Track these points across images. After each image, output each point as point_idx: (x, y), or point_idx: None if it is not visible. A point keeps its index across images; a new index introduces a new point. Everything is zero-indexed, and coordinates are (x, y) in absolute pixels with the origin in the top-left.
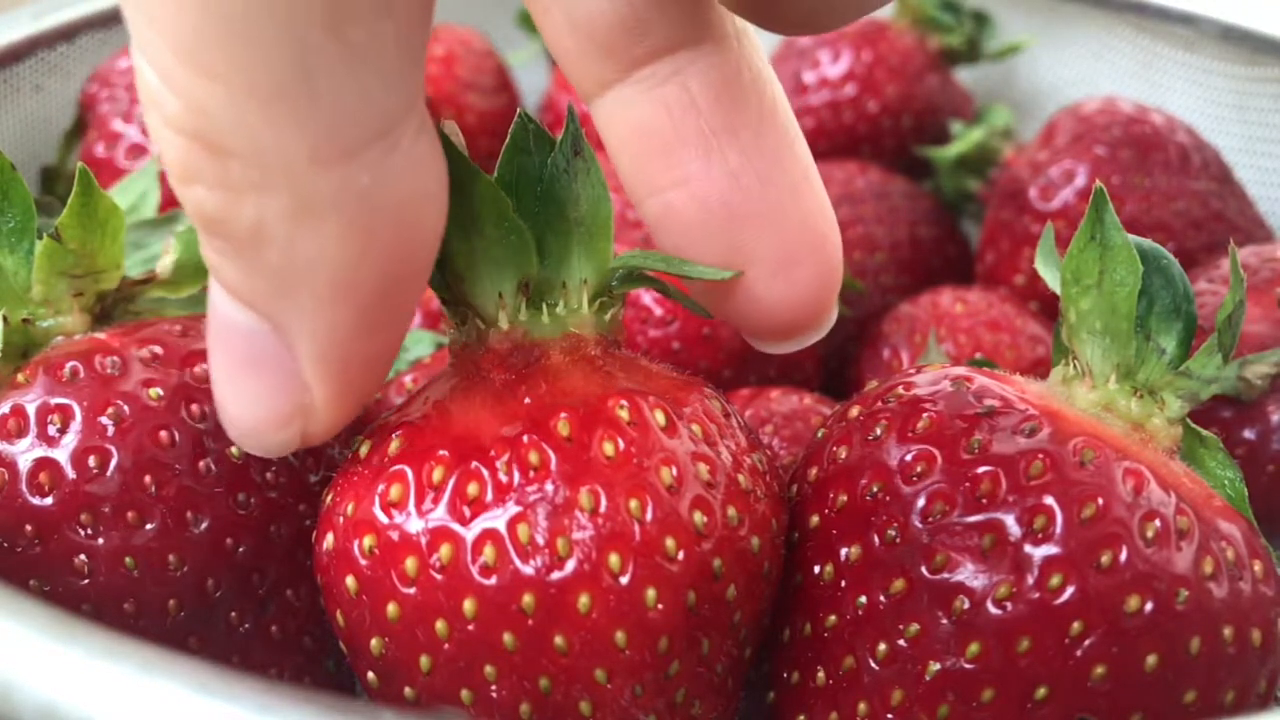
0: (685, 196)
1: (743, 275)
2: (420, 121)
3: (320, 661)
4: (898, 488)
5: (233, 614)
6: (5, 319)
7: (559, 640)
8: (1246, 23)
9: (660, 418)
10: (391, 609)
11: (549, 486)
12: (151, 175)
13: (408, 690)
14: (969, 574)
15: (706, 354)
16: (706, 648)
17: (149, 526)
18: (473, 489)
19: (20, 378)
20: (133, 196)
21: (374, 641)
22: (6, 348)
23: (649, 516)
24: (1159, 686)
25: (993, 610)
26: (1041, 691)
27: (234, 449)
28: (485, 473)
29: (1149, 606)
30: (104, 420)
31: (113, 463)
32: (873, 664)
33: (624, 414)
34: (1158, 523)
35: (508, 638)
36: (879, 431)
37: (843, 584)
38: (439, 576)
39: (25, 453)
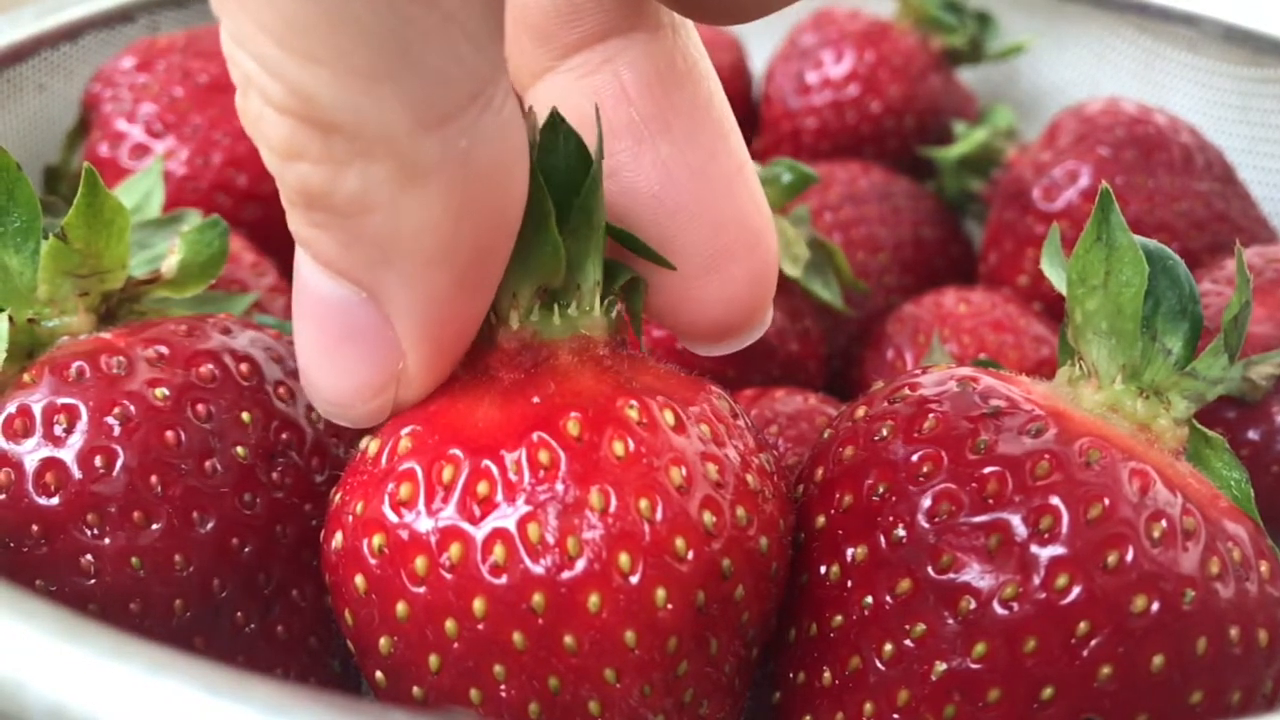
0: (615, 188)
1: (673, 270)
2: (507, 83)
3: (326, 661)
4: (904, 488)
5: (238, 614)
6: (11, 319)
7: (569, 640)
8: (1249, 23)
9: (669, 418)
10: (401, 608)
11: (559, 486)
12: (156, 175)
13: (416, 690)
14: (975, 574)
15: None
16: (715, 647)
17: (155, 526)
18: (483, 488)
19: (26, 378)
20: (137, 196)
21: (383, 640)
22: (12, 348)
23: (659, 516)
24: (1165, 687)
25: (999, 610)
26: (1048, 692)
27: (240, 449)
28: (495, 472)
29: (1155, 607)
30: (110, 420)
31: (119, 463)
32: (879, 664)
33: (633, 414)
34: (1164, 523)
35: (517, 637)
36: (885, 432)
37: (849, 584)
38: (449, 576)
39: (31, 453)
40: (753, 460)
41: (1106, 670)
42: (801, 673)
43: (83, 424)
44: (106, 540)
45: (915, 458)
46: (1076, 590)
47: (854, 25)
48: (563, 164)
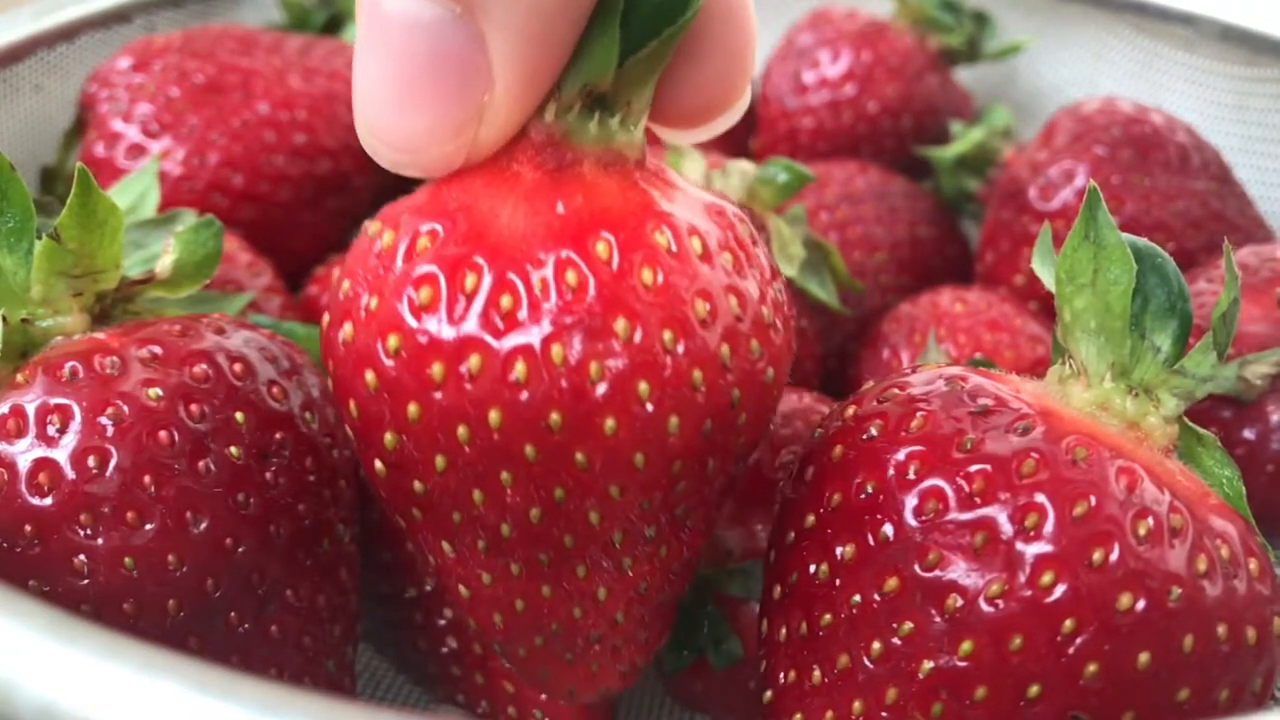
0: None
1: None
2: None
3: (320, 661)
4: (891, 487)
5: (232, 614)
6: (4, 319)
7: (580, 457)
8: (1246, 23)
9: (697, 246)
10: (413, 409)
11: (586, 310)
12: (151, 175)
13: (417, 484)
14: (962, 572)
15: None
16: (712, 468)
17: (148, 526)
18: (506, 302)
19: (19, 378)
20: (132, 196)
21: (389, 436)
22: (6, 348)
23: (681, 350)
24: (1152, 684)
25: (985, 608)
26: (1034, 689)
27: (234, 449)
28: (520, 287)
29: (1141, 604)
30: (103, 420)
31: (112, 463)
32: (867, 662)
33: (663, 240)
34: (1150, 520)
35: (529, 450)
36: (874, 431)
37: (837, 583)
38: (468, 386)
39: (24, 453)
40: (768, 291)
41: (1092, 668)
42: (792, 671)
43: (76, 424)
44: (100, 540)
45: (903, 456)
46: (1062, 588)
47: (851, 25)
48: None
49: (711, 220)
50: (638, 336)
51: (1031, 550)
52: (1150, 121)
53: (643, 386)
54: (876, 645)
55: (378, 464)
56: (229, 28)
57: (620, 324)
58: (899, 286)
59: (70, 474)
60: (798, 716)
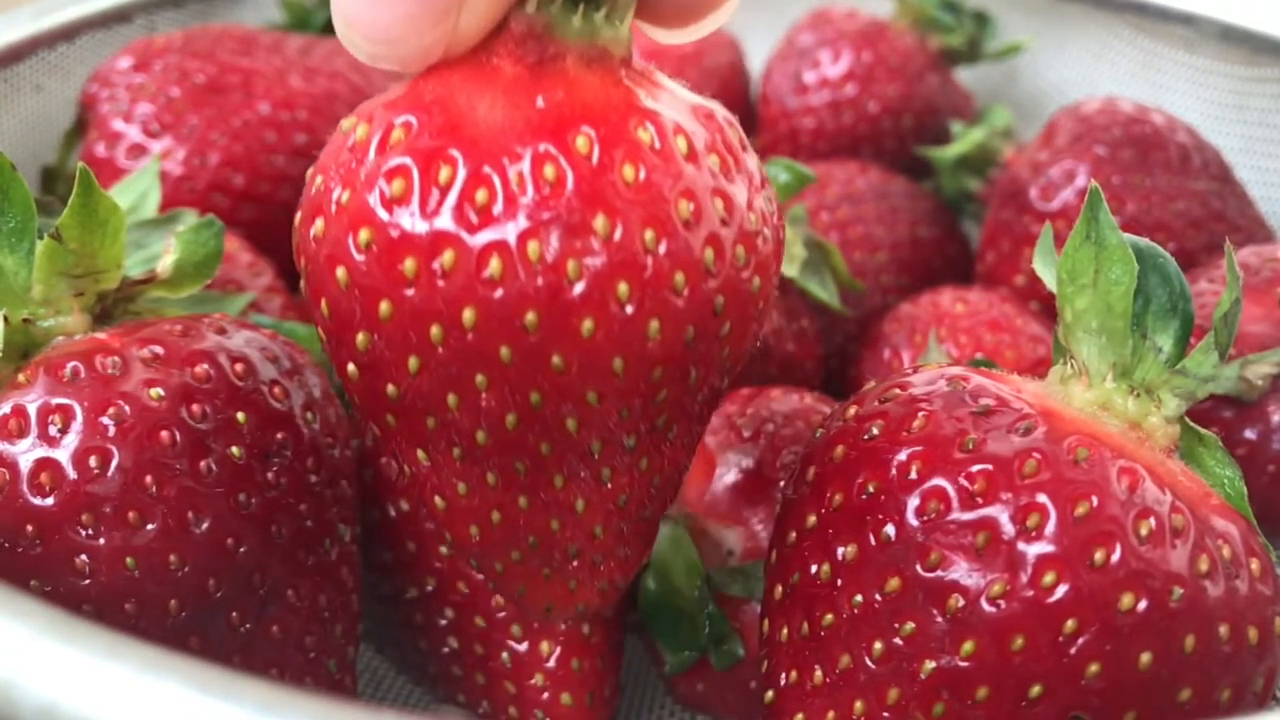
0: None
1: None
2: None
3: (321, 661)
4: (893, 487)
5: (234, 614)
6: (6, 319)
7: (556, 360)
8: (1246, 23)
9: (682, 145)
10: (384, 307)
11: (564, 206)
12: (152, 175)
13: (390, 388)
14: (963, 572)
15: None
16: (694, 378)
17: (150, 527)
18: (481, 196)
19: (21, 378)
20: (133, 196)
21: (360, 336)
22: (7, 348)
23: (662, 250)
24: (1153, 685)
25: (987, 608)
26: (1036, 689)
27: (235, 449)
28: (496, 180)
29: (1143, 604)
30: (105, 420)
31: (113, 463)
32: (869, 662)
33: (646, 137)
34: (1152, 521)
35: (505, 351)
36: (875, 431)
37: (839, 583)
38: (441, 283)
39: (26, 453)
40: (755, 199)
41: (1094, 668)
42: (794, 671)
43: (77, 424)
44: (101, 540)
45: (904, 456)
46: (1064, 588)
47: (851, 25)
48: None
49: (699, 121)
50: (617, 234)
51: (1033, 550)
52: (1151, 122)
53: (622, 287)
54: (878, 645)
55: (350, 366)
56: (229, 28)
57: (599, 221)
58: (900, 287)
59: (72, 474)
60: (799, 717)
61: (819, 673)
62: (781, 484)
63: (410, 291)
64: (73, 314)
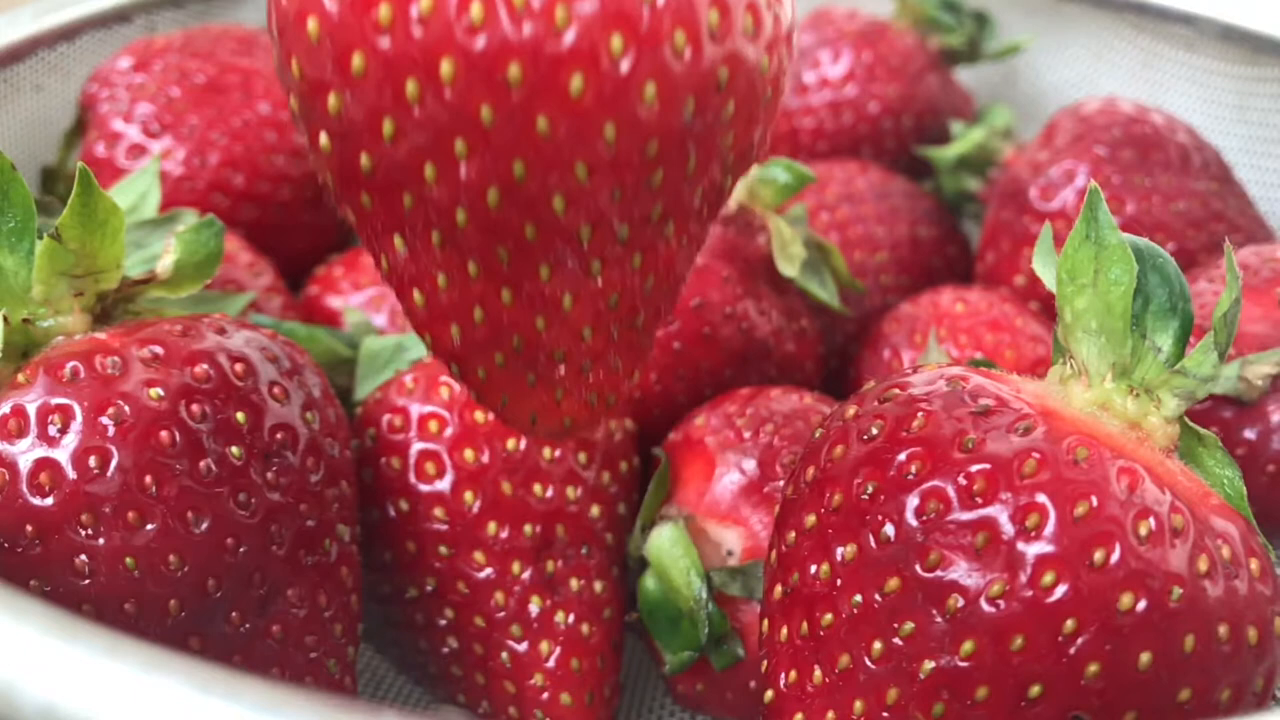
0: None
1: None
2: None
3: (321, 661)
4: (892, 487)
5: (234, 614)
6: (5, 319)
7: (542, 122)
8: (1247, 23)
9: None
10: (357, 61)
11: None
12: (152, 175)
13: (364, 159)
14: (963, 572)
15: (707, 354)
16: (693, 164)
17: (149, 527)
18: None
19: (20, 378)
20: (133, 196)
21: (332, 98)
22: (7, 348)
23: (661, 2)
24: (1153, 685)
25: (986, 608)
26: (1035, 690)
27: (235, 449)
28: None
29: (1142, 604)
30: (104, 420)
31: (113, 463)
32: (868, 663)
33: None
34: (1152, 521)
35: (486, 111)
36: (875, 431)
37: (838, 583)
38: (417, 31)
39: (26, 453)
40: None
41: (1094, 668)
42: (793, 671)
43: (77, 424)
44: (101, 541)
45: (904, 456)
46: (1063, 588)
47: (851, 25)
48: None
49: None
50: None
51: (1033, 550)
52: (1151, 122)
53: (615, 41)
54: (878, 645)
55: (322, 138)
56: (229, 28)
57: None
58: (899, 286)
59: (71, 474)
60: (799, 717)
61: (818, 673)
62: (781, 484)
63: (384, 41)
64: (72, 314)
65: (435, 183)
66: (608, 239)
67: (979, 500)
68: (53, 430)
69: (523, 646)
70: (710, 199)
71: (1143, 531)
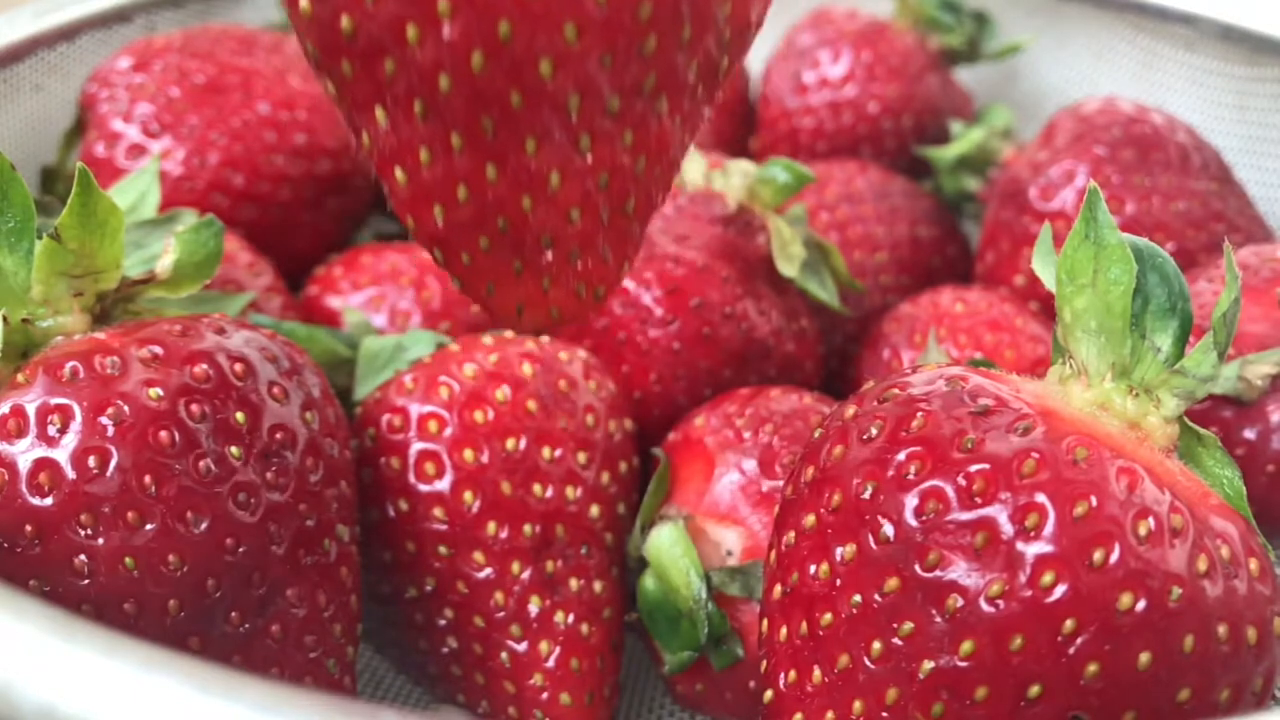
0: None
1: None
2: None
3: (321, 661)
4: (891, 487)
5: (233, 614)
6: (5, 319)
7: None
8: (1246, 23)
9: None
10: None
11: None
12: (151, 175)
13: (344, 20)
14: (962, 572)
15: (706, 354)
16: (687, 34)
17: (149, 527)
18: None
19: (20, 378)
20: (132, 196)
21: None
22: (6, 348)
23: None
24: (1152, 685)
25: (986, 608)
26: (1035, 689)
27: (234, 449)
28: None
29: (1141, 604)
30: (104, 420)
31: (112, 463)
32: (868, 663)
33: None
34: (1151, 521)
35: None
36: (874, 431)
37: (838, 583)
38: None
39: (25, 453)
40: None
41: (1093, 668)
42: (793, 671)
43: (76, 424)
44: (100, 540)
45: (903, 456)
46: (1062, 588)
47: (851, 25)
48: None
49: None
50: None
51: (1032, 550)
52: (1150, 122)
53: None
54: (877, 645)
55: (302, 0)
56: (229, 28)
57: None
58: (899, 286)
59: (71, 474)
60: (798, 716)
61: (818, 673)
62: (781, 484)
63: None
64: (72, 314)
65: (417, 45)
66: (597, 110)
67: (978, 500)
68: (52, 430)
69: (522, 646)
70: (705, 76)
71: (1142, 531)
